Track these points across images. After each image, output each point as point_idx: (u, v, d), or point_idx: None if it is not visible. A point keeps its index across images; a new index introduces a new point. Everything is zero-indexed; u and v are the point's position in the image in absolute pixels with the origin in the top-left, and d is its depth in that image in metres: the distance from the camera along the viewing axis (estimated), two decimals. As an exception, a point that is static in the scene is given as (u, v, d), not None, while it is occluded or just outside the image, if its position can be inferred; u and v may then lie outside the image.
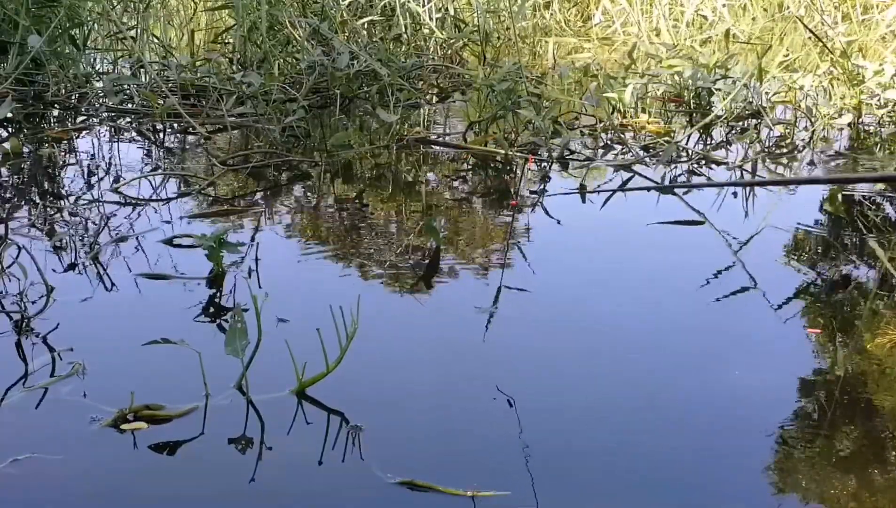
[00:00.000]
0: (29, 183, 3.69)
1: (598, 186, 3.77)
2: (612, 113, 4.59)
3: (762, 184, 3.88)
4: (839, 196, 3.76)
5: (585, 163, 4.05)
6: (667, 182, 3.88)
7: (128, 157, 4.02)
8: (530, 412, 2.08)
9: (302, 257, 3.00)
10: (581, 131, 4.48)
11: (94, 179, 3.69)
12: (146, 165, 3.95)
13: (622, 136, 4.46)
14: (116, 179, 3.64)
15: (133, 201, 3.39)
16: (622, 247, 3.12)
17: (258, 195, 3.64)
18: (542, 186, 3.79)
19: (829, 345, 2.47)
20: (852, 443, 2.02)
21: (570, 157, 4.14)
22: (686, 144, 4.39)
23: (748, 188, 3.83)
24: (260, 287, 2.65)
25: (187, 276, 2.71)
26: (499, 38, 6.62)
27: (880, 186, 3.83)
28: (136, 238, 3.00)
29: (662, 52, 5.99)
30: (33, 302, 2.47)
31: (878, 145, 4.58)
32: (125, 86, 4.78)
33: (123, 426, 1.94)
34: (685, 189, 3.79)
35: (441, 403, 2.14)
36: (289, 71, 5.01)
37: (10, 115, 4.29)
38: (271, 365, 2.13)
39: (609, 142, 4.41)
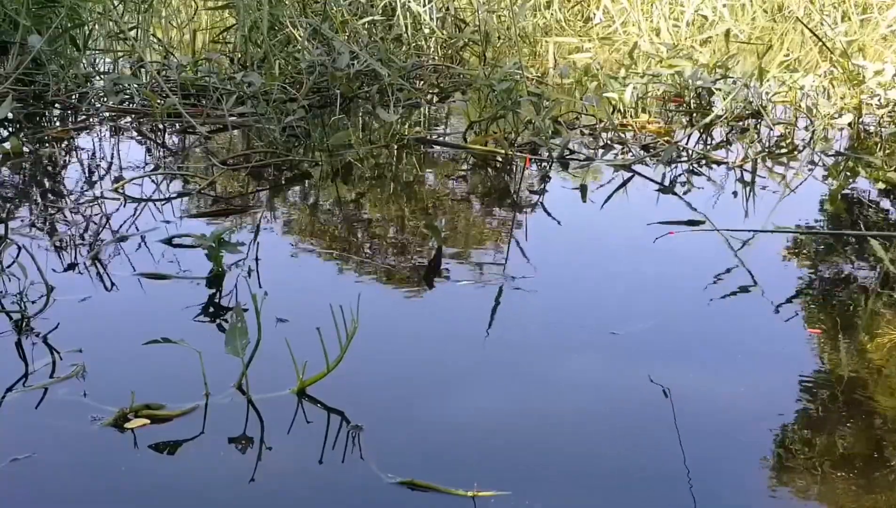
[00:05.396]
0: (29, 183, 3.69)
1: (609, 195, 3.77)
2: (612, 113, 4.59)
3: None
4: (839, 195, 3.76)
5: (585, 163, 4.06)
6: (667, 182, 3.88)
7: (128, 156, 4.02)
8: (531, 411, 2.08)
9: (302, 256, 3.00)
10: (581, 131, 4.48)
11: (94, 179, 3.69)
12: (146, 164, 3.95)
13: (622, 136, 4.46)
14: (116, 179, 3.64)
15: (133, 201, 3.39)
16: (623, 247, 3.12)
17: (258, 195, 3.64)
18: (543, 186, 3.80)
19: (830, 345, 2.47)
20: (853, 444, 2.02)
21: (570, 157, 4.14)
22: (686, 143, 4.40)
23: (747, 188, 3.84)
24: (260, 287, 2.65)
25: (187, 276, 2.71)
26: (499, 37, 6.61)
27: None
28: (137, 238, 3.00)
29: (663, 52, 5.99)
30: (33, 302, 2.47)
31: (878, 145, 4.58)
32: (125, 86, 4.78)
33: (126, 425, 1.94)
34: (686, 189, 3.80)
35: (441, 403, 2.14)
36: (289, 71, 5.01)
37: (10, 115, 4.29)
38: (271, 364, 2.13)
39: (609, 142, 4.41)
